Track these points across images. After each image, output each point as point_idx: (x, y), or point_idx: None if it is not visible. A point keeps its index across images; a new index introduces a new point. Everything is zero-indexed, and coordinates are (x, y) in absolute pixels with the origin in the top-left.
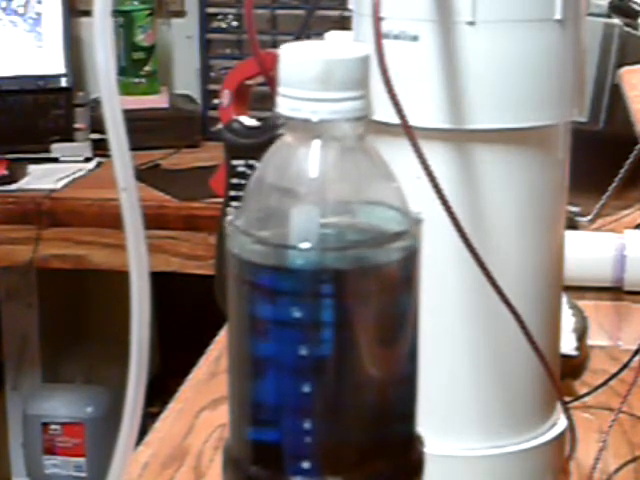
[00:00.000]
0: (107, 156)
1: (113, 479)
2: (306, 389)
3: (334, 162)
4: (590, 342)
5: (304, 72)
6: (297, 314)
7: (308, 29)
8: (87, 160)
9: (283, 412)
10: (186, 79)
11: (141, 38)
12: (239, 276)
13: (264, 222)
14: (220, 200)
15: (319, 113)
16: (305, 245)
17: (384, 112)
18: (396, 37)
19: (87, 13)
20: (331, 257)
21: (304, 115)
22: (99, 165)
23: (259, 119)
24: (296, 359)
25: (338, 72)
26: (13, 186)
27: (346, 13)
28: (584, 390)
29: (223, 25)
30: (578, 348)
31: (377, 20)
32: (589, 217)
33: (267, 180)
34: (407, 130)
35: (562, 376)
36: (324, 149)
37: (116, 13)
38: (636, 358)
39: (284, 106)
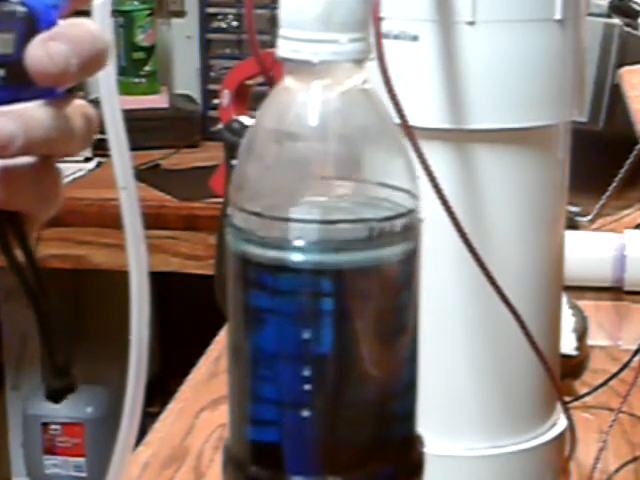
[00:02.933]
0: (107, 156)
1: (112, 479)
2: (306, 389)
3: (335, 105)
4: (590, 342)
5: (304, 12)
6: (296, 313)
7: None
8: (87, 160)
9: (283, 411)
10: (186, 79)
11: (141, 38)
12: (239, 273)
13: (263, 186)
14: (220, 200)
15: (320, 54)
16: (304, 242)
17: None
18: (396, 37)
19: (87, 13)
20: (331, 253)
21: (304, 56)
22: (99, 165)
23: None
24: (296, 358)
25: (339, 12)
26: None
27: None
28: (584, 390)
29: (223, 25)
30: (578, 348)
31: (377, 20)
32: (589, 217)
33: (267, 125)
34: (407, 130)
35: (562, 376)
36: (325, 92)
37: (116, 13)
38: (636, 358)
39: (284, 48)
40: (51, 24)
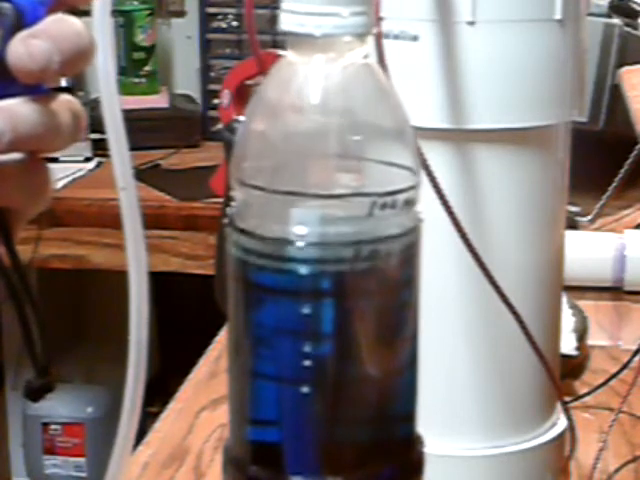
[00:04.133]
0: (107, 156)
1: (111, 478)
2: (306, 389)
3: (337, 79)
4: (590, 342)
5: None
6: (296, 313)
7: None
8: (87, 160)
9: (283, 412)
10: (186, 79)
11: (141, 38)
12: (239, 249)
13: (264, 160)
14: (220, 200)
15: (323, 27)
16: (305, 216)
17: None
18: (396, 37)
19: (87, 13)
20: (332, 227)
21: (307, 30)
22: (99, 165)
23: None
24: (296, 335)
25: None
26: None
27: None
28: (584, 390)
29: (223, 25)
30: (578, 348)
31: (377, 20)
32: (589, 217)
33: (269, 98)
34: None
35: (562, 376)
36: (327, 65)
37: (116, 13)
38: (636, 358)
39: (287, 21)
40: (37, 20)
